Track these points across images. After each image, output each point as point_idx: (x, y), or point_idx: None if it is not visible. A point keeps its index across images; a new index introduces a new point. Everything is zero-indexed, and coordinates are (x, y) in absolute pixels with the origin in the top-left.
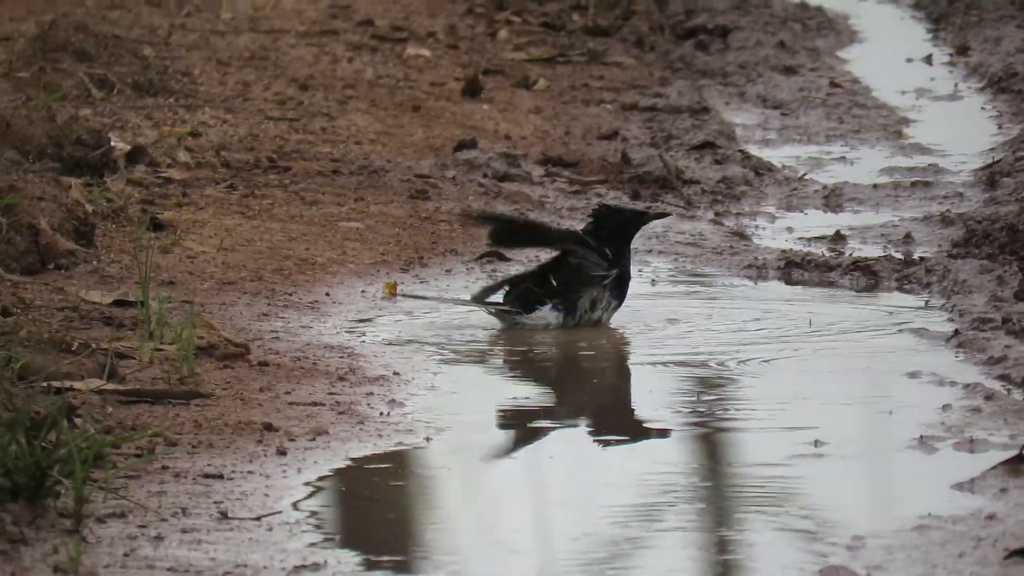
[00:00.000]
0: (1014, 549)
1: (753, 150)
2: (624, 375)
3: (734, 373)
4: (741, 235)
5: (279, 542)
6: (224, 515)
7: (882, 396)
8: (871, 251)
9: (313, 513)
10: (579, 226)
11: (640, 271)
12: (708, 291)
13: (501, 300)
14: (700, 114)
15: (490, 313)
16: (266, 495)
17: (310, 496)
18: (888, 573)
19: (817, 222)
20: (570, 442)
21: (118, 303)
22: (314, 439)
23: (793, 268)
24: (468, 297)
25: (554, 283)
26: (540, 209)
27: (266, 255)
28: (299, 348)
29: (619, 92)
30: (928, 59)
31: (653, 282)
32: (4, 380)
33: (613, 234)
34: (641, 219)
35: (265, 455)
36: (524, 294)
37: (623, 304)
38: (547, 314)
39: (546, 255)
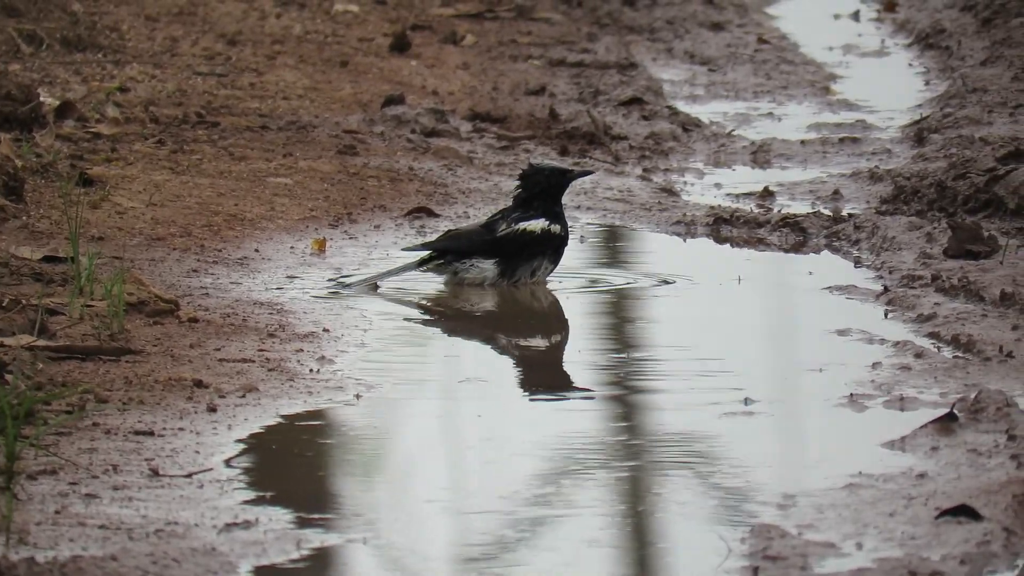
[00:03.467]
0: (946, 508)
1: (681, 106)
2: (553, 332)
3: (664, 330)
4: (670, 191)
5: (210, 499)
6: (155, 472)
7: (812, 354)
8: (800, 207)
9: (244, 470)
10: (507, 182)
11: (570, 227)
12: (636, 247)
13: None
14: (628, 70)
15: (427, 271)
16: (197, 452)
17: (241, 453)
18: (819, 532)
19: (745, 178)
20: (498, 400)
21: (48, 259)
22: (244, 396)
23: (722, 224)
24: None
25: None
26: (468, 165)
27: (195, 211)
28: (229, 304)
29: (547, 48)
30: (855, 15)
31: (582, 239)
32: None
33: (542, 192)
34: (567, 177)
35: (195, 412)
36: (464, 249)
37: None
38: (485, 270)
39: (484, 210)
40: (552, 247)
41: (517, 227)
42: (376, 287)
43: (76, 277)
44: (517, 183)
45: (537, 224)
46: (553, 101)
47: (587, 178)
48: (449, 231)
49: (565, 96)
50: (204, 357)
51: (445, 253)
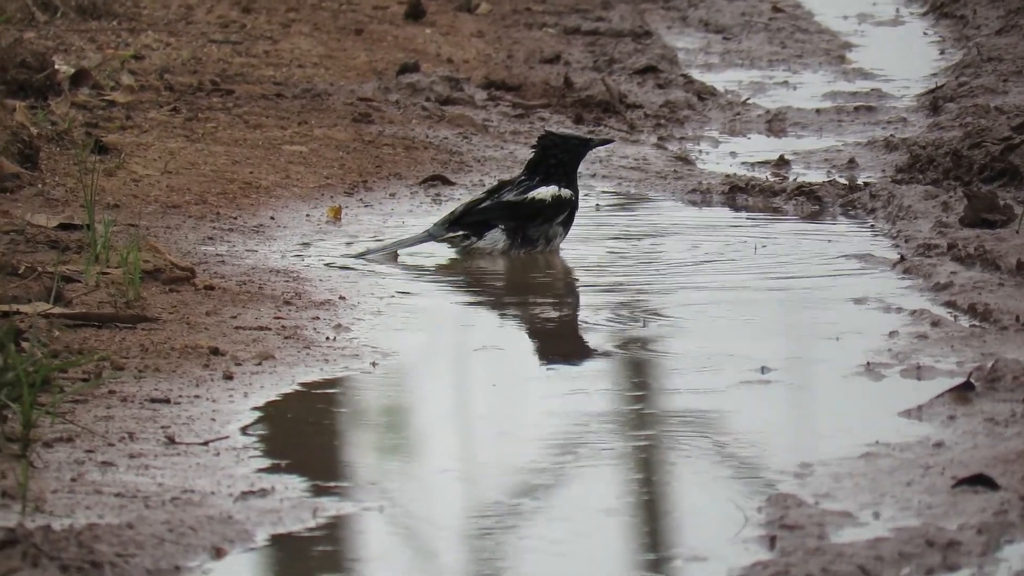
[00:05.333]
0: (962, 477)
1: (696, 74)
2: (569, 301)
3: (681, 299)
4: (685, 159)
5: (226, 467)
6: (171, 440)
7: (828, 322)
8: (815, 176)
9: (260, 438)
10: (522, 150)
11: (585, 195)
12: (652, 216)
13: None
14: (642, 38)
15: (441, 241)
16: (213, 420)
17: (257, 421)
18: (836, 501)
19: (761, 147)
20: (514, 368)
21: (63, 226)
22: (260, 364)
23: (737, 193)
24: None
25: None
26: (483, 133)
27: (210, 178)
28: (245, 272)
29: (561, 16)
30: None
31: (597, 207)
32: None
33: (560, 161)
34: (587, 146)
35: (212, 380)
36: (479, 219)
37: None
38: (497, 240)
39: (500, 179)
40: (564, 213)
41: (527, 196)
42: (396, 256)
43: (92, 244)
44: (533, 149)
45: (547, 191)
46: (568, 69)
47: (602, 146)
48: (469, 206)
49: (580, 64)
50: (220, 325)
51: (472, 226)
